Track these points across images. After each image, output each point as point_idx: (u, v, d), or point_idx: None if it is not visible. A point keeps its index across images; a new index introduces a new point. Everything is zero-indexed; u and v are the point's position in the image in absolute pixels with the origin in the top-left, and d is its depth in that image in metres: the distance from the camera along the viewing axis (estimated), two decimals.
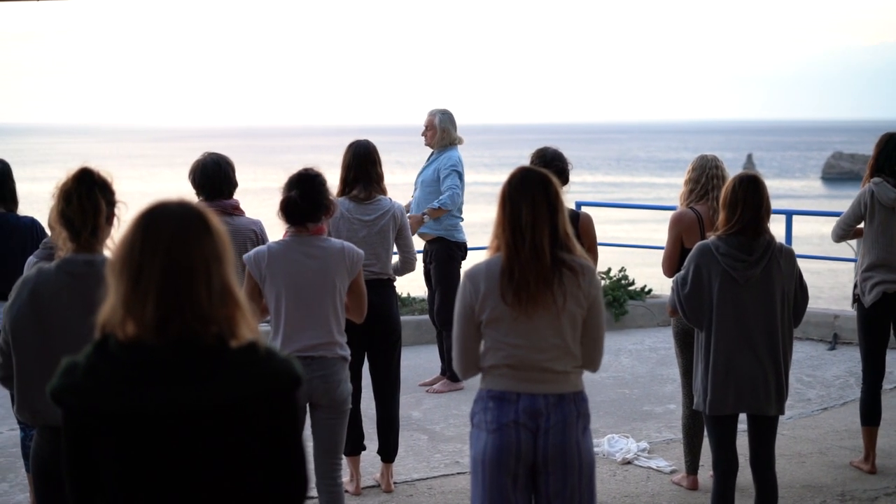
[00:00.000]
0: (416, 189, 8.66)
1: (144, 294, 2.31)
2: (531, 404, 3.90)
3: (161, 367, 2.31)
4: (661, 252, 6.38)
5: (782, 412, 5.19)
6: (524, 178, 3.95)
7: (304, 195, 4.90)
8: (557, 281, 3.87)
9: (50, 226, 3.96)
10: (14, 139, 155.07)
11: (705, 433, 5.53)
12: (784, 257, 5.05)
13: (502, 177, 4.08)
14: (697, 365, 5.19)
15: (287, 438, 2.41)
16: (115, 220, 3.89)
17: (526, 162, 5.77)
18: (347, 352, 5.06)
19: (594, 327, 3.96)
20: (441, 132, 8.54)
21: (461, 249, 8.65)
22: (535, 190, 3.91)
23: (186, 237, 2.34)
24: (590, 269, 3.96)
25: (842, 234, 6.96)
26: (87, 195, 3.80)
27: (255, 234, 5.85)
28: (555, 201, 3.92)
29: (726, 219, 5.03)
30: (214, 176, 5.79)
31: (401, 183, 8.90)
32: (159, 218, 2.36)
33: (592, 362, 4.00)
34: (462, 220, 8.68)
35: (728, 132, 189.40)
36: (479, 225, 3.96)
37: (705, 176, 6.21)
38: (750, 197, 4.99)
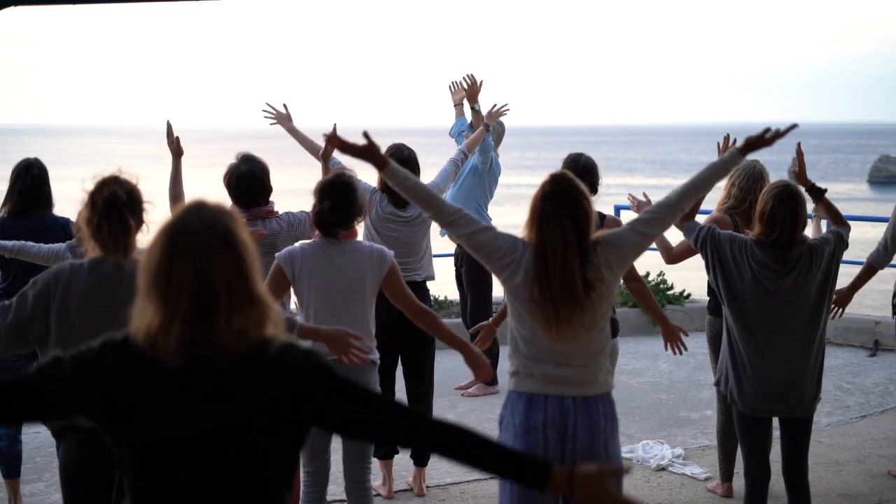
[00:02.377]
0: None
1: (171, 318, 2.33)
2: (559, 406, 3.89)
3: (187, 386, 2.34)
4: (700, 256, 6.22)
5: (813, 409, 5.13)
6: (557, 201, 3.88)
7: (335, 207, 4.91)
8: (587, 303, 3.86)
9: (77, 227, 3.98)
10: (60, 139, 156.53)
11: None
12: (816, 255, 4.99)
13: (541, 179, 4.00)
14: (724, 362, 5.14)
15: (363, 394, 2.49)
16: (144, 226, 3.93)
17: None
18: (376, 355, 5.05)
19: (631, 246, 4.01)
20: None
21: None
22: (565, 217, 3.85)
23: (211, 263, 2.34)
24: (608, 246, 3.93)
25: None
26: (117, 219, 3.85)
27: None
28: (585, 224, 3.88)
29: (762, 233, 4.99)
30: (249, 185, 5.75)
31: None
32: (184, 243, 2.35)
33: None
34: (491, 220, 8.65)
35: None
36: (520, 227, 3.95)
37: (749, 200, 5.99)
38: (788, 218, 4.93)
